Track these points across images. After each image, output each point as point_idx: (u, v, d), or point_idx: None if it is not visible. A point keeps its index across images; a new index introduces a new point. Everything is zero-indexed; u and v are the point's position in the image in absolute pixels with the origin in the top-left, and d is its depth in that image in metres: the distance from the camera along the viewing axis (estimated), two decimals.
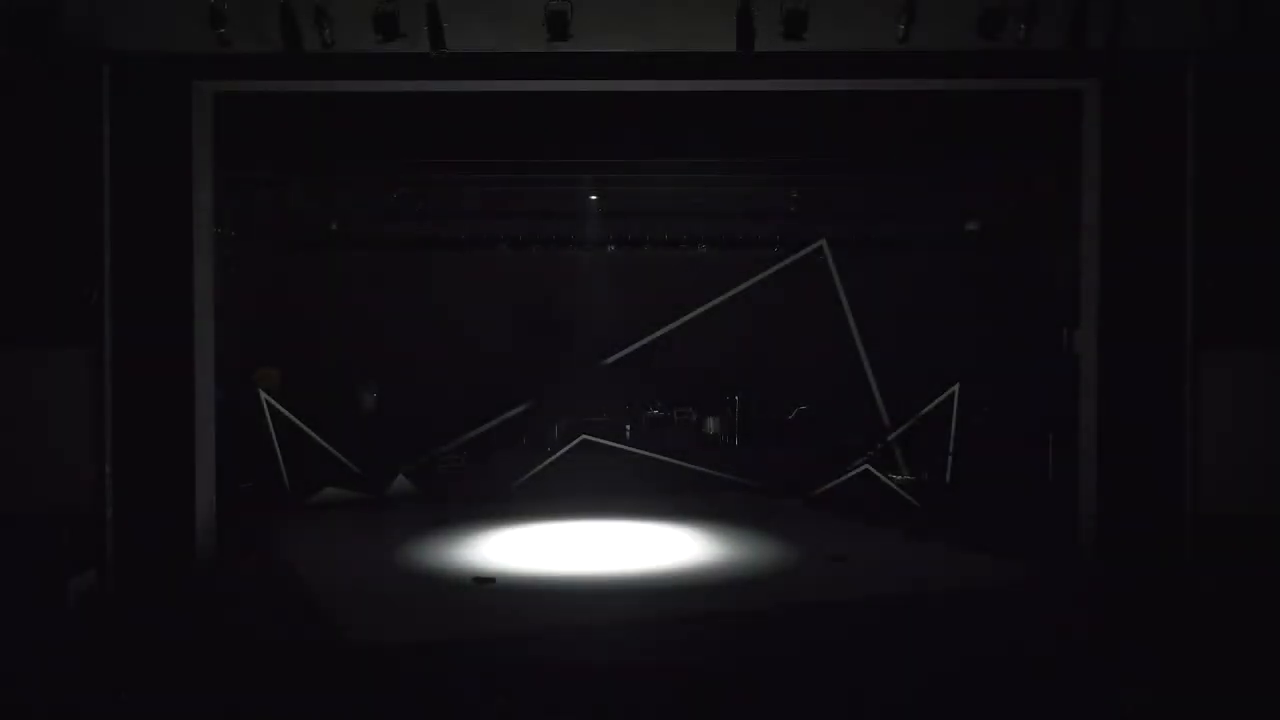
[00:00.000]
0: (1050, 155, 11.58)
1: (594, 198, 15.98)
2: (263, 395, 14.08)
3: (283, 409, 14.28)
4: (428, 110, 11.47)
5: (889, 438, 14.95)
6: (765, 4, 8.98)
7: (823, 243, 15.80)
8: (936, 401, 14.59)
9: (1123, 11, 8.94)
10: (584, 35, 9.30)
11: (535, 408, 15.89)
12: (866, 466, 14.19)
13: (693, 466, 15.13)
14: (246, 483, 13.13)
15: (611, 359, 16.07)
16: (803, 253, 15.89)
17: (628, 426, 16.03)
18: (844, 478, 14.21)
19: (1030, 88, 10.53)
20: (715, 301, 15.83)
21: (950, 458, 14.36)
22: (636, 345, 16.02)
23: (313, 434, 14.49)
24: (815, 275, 15.78)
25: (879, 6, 9.11)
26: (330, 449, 14.63)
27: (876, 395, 15.34)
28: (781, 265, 15.97)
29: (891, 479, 14.19)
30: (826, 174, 14.94)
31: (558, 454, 15.12)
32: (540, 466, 14.79)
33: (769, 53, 9.29)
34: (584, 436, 15.25)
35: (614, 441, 15.43)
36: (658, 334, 15.95)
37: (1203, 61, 9.61)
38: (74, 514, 9.69)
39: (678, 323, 15.91)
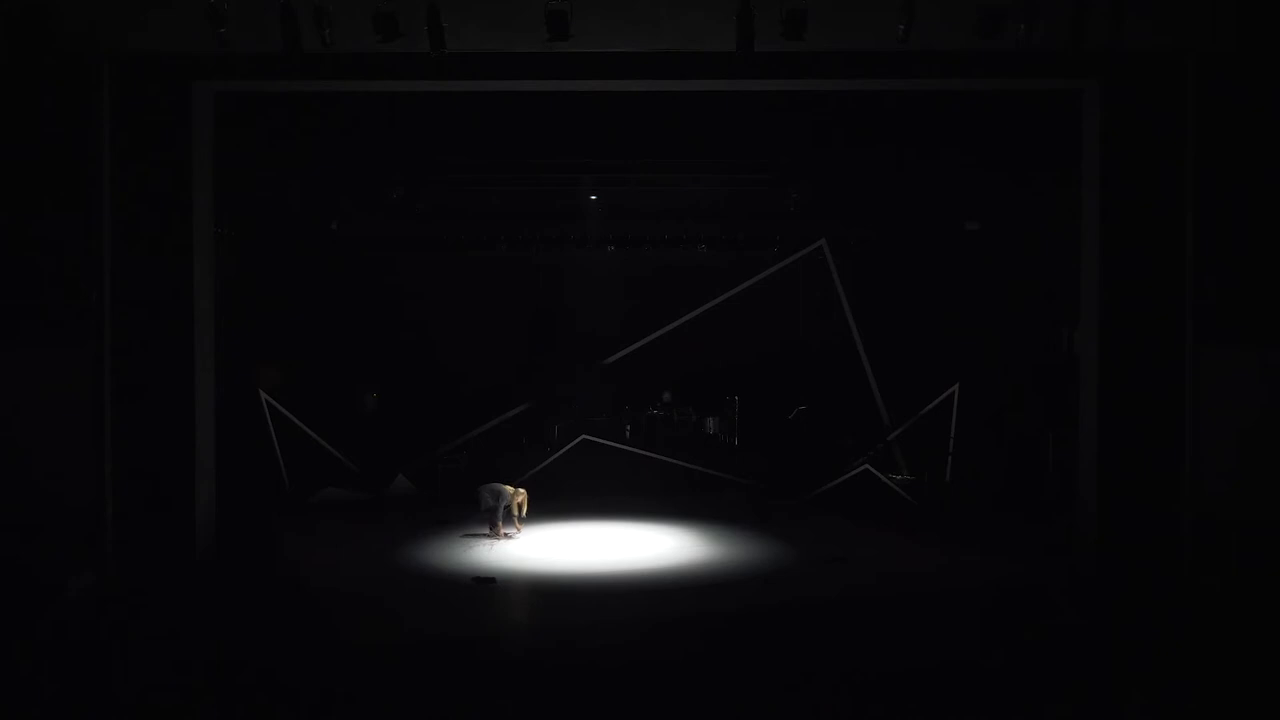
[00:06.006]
0: (1050, 155, 11.59)
1: (594, 198, 15.98)
2: (263, 395, 14.07)
3: (283, 409, 14.28)
4: (427, 110, 11.47)
5: (889, 437, 14.95)
6: (765, 4, 8.98)
7: (823, 242, 15.80)
8: (936, 401, 14.60)
9: (1123, 11, 8.94)
10: (584, 35, 9.30)
11: (535, 408, 15.90)
12: (866, 466, 14.19)
13: (693, 466, 15.13)
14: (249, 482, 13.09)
15: (611, 359, 16.07)
16: (803, 253, 15.89)
17: (628, 426, 16.02)
18: (844, 478, 14.21)
19: (1030, 88, 10.53)
20: (715, 301, 15.84)
21: (950, 457, 14.37)
22: (636, 345, 16.02)
23: (313, 434, 14.49)
24: (815, 275, 15.79)
25: (879, 6, 9.11)
26: (330, 449, 14.64)
27: (876, 395, 15.34)
28: (781, 265, 15.97)
29: (891, 479, 14.19)
30: (826, 173, 14.94)
31: (558, 454, 15.12)
32: (540, 466, 14.79)
33: (769, 53, 9.29)
34: (584, 436, 15.25)
35: (614, 441, 15.42)
36: (657, 334, 15.95)
37: (1203, 62, 9.60)
38: (74, 514, 9.69)
39: (677, 322, 15.91)
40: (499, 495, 11.73)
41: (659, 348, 16.07)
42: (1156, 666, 7.66)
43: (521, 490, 11.94)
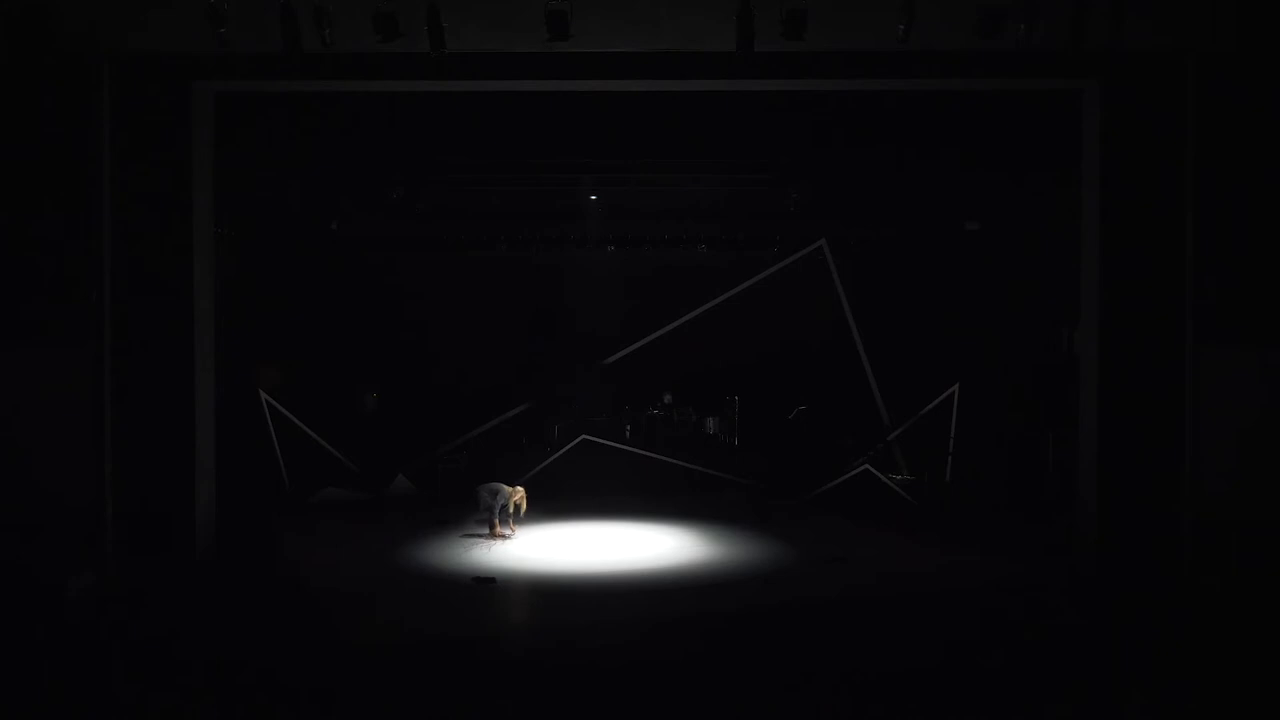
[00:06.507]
0: (1050, 155, 11.59)
1: (594, 198, 15.98)
2: (263, 395, 14.07)
3: (283, 409, 14.28)
4: (427, 110, 11.47)
5: (889, 437, 14.96)
6: (765, 4, 8.98)
7: (822, 242, 15.80)
8: (936, 401, 14.60)
9: (1123, 11, 8.94)
10: (584, 35, 9.30)
11: (535, 408, 15.90)
12: (866, 466, 14.19)
13: (693, 466, 15.14)
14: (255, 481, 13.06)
15: (611, 359, 16.07)
16: (803, 253, 15.90)
17: (628, 426, 16.03)
18: (844, 478, 14.21)
19: (1030, 88, 10.53)
20: (715, 301, 15.84)
21: (950, 457, 14.38)
22: (636, 345, 16.03)
23: (313, 434, 14.50)
24: (815, 275, 15.79)
25: (879, 6, 9.11)
26: (330, 449, 14.64)
27: (876, 395, 15.34)
28: (781, 265, 15.98)
29: (891, 479, 14.20)
30: (826, 173, 14.94)
31: (558, 454, 15.12)
32: (540, 466, 14.79)
33: (769, 53, 9.29)
34: (584, 436, 15.26)
35: (614, 441, 15.43)
36: (657, 334, 15.96)
37: (1203, 62, 9.61)
38: (74, 514, 9.69)
39: (677, 322, 15.92)
40: (497, 494, 11.73)
41: (659, 348, 16.07)
42: (1156, 666, 7.66)
43: (520, 488, 11.95)
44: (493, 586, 9.81)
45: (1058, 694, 7.10)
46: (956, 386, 14.51)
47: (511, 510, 11.79)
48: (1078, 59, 9.45)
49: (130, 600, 9.22)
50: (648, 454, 15.27)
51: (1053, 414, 12.58)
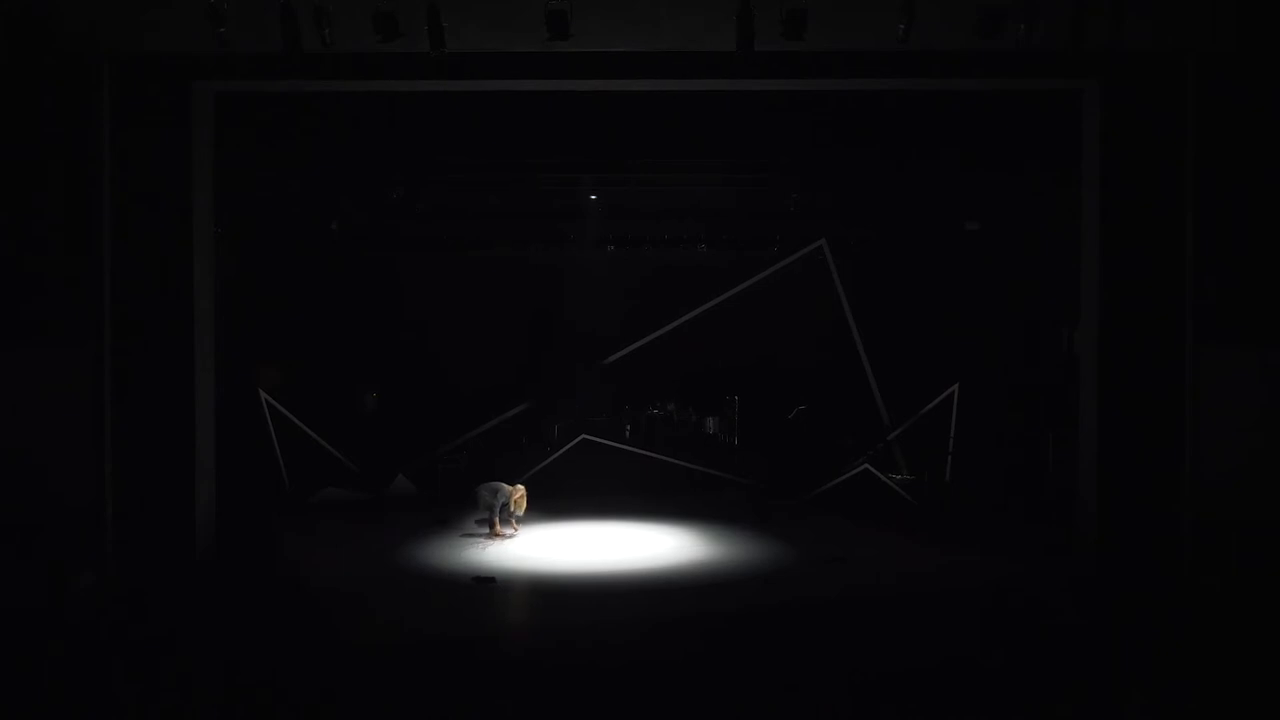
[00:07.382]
0: (1050, 155, 11.59)
1: (594, 198, 15.98)
2: (263, 395, 14.07)
3: (283, 409, 14.28)
4: (427, 110, 11.47)
5: (889, 437, 14.95)
6: (765, 4, 8.98)
7: (823, 242, 15.80)
8: (936, 401, 14.60)
9: (1123, 11, 8.94)
10: (584, 35, 9.30)
11: (535, 408, 15.90)
12: (866, 466, 14.19)
13: (693, 466, 15.14)
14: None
15: (611, 359, 16.07)
16: (802, 253, 15.90)
17: (628, 426, 16.03)
18: (844, 478, 14.21)
19: (1030, 88, 10.53)
20: (715, 301, 15.84)
21: (950, 457, 14.38)
22: (636, 345, 16.03)
23: (313, 434, 14.49)
24: (815, 275, 15.79)
25: (879, 6, 9.11)
26: (330, 449, 14.64)
27: (876, 395, 15.34)
28: (781, 265, 15.98)
29: (891, 479, 14.19)
30: (826, 173, 14.94)
31: (557, 454, 15.12)
32: (540, 466, 14.79)
33: (769, 53, 9.29)
34: (584, 436, 15.26)
35: (614, 441, 15.43)
36: (657, 334, 15.96)
37: (1203, 62, 9.61)
38: (74, 514, 9.69)
39: (677, 322, 15.92)
40: (497, 494, 11.73)
41: (659, 348, 16.07)
42: (1156, 666, 7.66)
43: (520, 487, 11.95)
44: (493, 586, 9.82)
45: (1058, 694, 7.11)
46: (956, 386, 14.51)
47: (512, 509, 11.79)
48: (1078, 59, 9.45)
49: (130, 600, 9.22)
50: (648, 454, 15.27)
51: (1053, 414, 12.58)
